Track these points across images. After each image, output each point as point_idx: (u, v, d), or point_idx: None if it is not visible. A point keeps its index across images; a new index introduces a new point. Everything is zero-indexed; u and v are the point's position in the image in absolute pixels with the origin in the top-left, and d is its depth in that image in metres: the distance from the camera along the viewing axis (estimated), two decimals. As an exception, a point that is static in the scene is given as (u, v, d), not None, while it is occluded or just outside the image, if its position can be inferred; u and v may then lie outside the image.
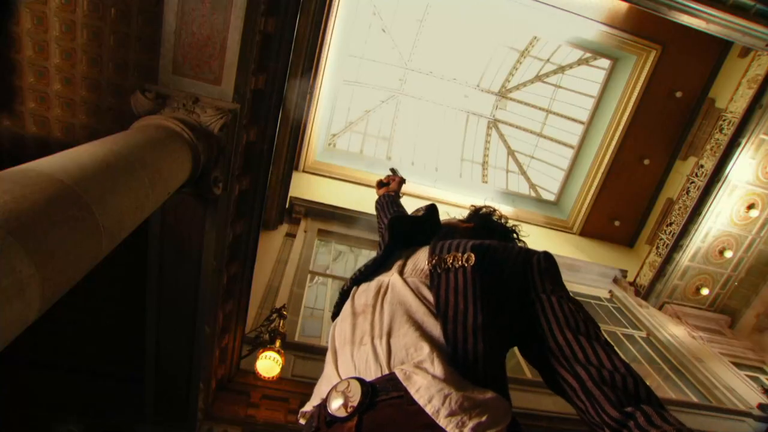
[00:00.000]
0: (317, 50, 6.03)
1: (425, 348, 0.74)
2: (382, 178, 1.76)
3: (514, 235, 1.32)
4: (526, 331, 0.88)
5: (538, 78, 11.02)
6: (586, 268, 7.60)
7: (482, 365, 0.74)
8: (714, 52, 7.85)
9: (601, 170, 9.07)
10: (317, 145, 8.81)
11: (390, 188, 1.69)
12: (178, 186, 2.57)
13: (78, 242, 1.61)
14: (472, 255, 0.89)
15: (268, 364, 3.79)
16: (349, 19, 8.57)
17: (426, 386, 0.66)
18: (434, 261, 0.91)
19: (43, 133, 3.16)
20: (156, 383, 3.92)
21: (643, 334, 6.46)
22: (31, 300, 1.37)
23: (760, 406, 5.07)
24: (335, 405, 0.70)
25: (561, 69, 10.48)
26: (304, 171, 8.39)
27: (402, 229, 1.18)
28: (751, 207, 6.77)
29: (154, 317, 3.60)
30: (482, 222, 1.34)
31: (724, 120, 6.79)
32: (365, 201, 7.34)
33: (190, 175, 2.71)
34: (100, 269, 2.00)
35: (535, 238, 8.54)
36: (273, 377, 3.85)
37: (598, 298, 7.24)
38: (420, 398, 0.65)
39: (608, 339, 0.83)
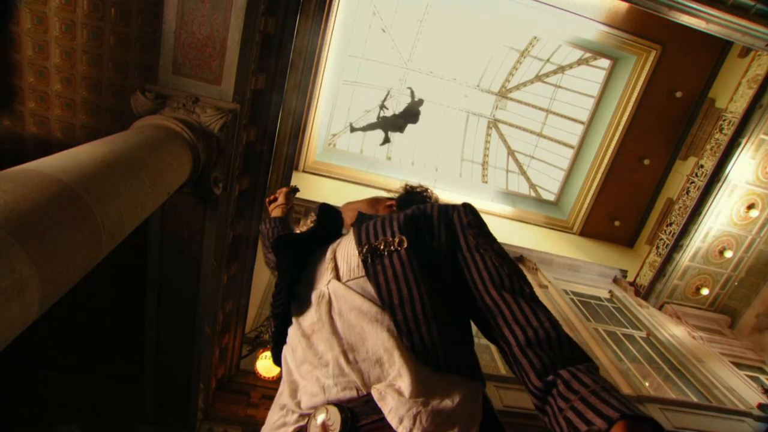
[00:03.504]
0: (317, 50, 6.03)
1: (396, 359, 0.70)
2: (271, 196, 1.65)
3: None
4: (463, 294, 0.84)
5: (538, 78, 11.02)
6: (586, 268, 7.59)
7: (442, 349, 0.72)
8: (714, 52, 7.84)
9: (601, 170, 9.07)
10: (317, 145, 8.81)
11: (278, 203, 1.57)
12: (178, 186, 2.57)
13: (78, 242, 1.61)
14: (404, 238, 0.83)
15: (268, 364, 3.80)
16: (349, 19, 8.57)
17: (395, 407, 0.65)
18: (365, 250, 0.84)
19: (43, 133, 3.16)
20: (156, 383, 3.92)
21: (643, 334, 6.46)
22: (31, 300, 1.37)
23: (760, 406, 5.07)
24: None
25: (561, 69, 10.47)
26: (304, 171, 8.39)
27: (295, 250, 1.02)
28: (751, 207, 6.77)
29: (154, 317, 3.60)
30: (407, 198, 1.30)
31: (724, 120, 6.79)
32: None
33: (190, 175, 2.71)
34: (100, 269, 2.01)
35: (535, 238, 8.55)
36: (273, 377, 3.85)
37: (598, 298, 7.23)
38: (392, 420, 0.64)
39: (534, 293, 0.80)
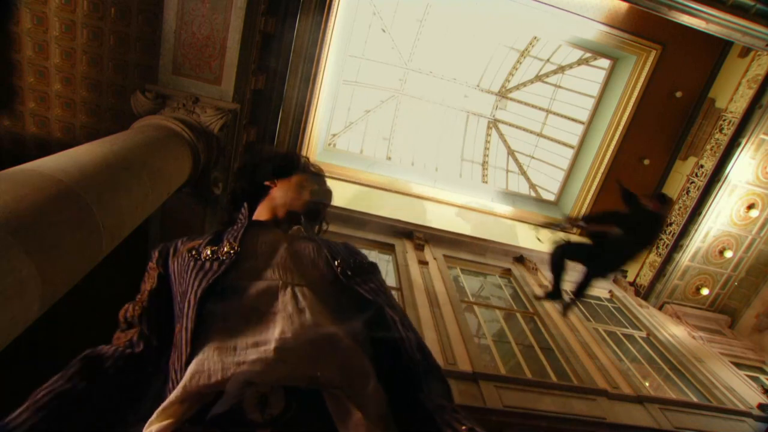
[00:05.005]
0: (317, 50, 6.03)
1: (370, 380, 0.71)
2: None
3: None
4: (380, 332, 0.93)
5: (538, 78, 11.02)
6: (586, 268, 7.58)
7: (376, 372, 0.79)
8: (714, 52, 7.84)
9: (601, 170, 9.07)
10: (317, 145, 8.81)
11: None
12: (178, 186, 2.58)
13: (78, 242, 1.61)
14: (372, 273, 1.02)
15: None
16: (349, 19, 8.57)
17: (355, 424, 0.65)
18: (344, 265, 0.97)
19: (43, 133, 3.16)
20: (156, 383, 3.92)
21: (643, 334, 6.46)
22: (31, 300, 1.37)
23: (760, 406, 5.06)
24: (250, 407, 0.65)
25: (561, 69, 10.48)
26: (304, 171, 8.38)
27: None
28: (751, 207, 6.77)
29: (154, 317, 3.60)
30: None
31: (724, 120, 6.79)
32: (365, 201, 7.33)
33: (190, 175, 2.71)
34: (100, 269, 2.01)
35: (534, 238, 8.54)
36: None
37: (598, 298, 7.23)
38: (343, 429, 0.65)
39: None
